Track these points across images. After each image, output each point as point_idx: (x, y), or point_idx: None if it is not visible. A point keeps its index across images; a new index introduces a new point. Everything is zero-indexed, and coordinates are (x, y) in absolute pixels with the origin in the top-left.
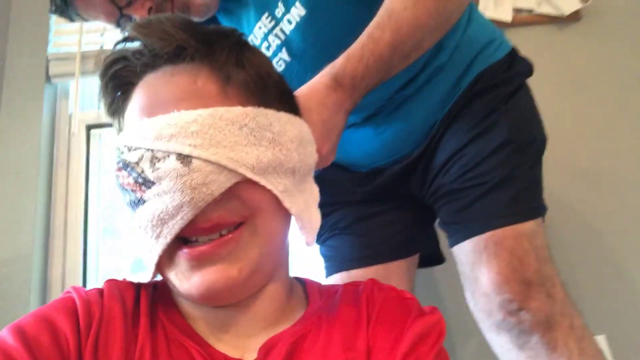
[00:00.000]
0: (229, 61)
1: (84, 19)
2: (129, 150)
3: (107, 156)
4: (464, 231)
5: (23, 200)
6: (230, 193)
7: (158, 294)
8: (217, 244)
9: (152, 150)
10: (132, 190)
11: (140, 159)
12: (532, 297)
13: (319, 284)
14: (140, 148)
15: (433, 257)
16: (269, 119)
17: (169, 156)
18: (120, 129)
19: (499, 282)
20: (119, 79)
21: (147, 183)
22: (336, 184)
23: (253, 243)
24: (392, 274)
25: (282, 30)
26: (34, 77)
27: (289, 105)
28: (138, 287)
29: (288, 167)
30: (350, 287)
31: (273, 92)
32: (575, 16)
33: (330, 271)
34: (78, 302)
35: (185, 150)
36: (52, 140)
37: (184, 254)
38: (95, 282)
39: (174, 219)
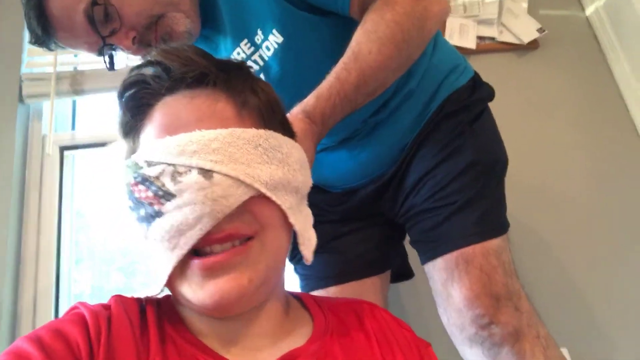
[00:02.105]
0: (245, 88)
1: (63, 48)
2: (149, 165)
3: (80, 178)
4: (435, 249)
5: None
6: (243, 207)
7: (162, 310)
8: (230, 254)
9: (174, 165)
10: (150, 204)
11: (161, 173)
12: (501, 311)
13: (313, 296)
14: (161, 163)
15: (403, 273)
16: (278, 141)
17: (190, 171)
18: (133, 148)
19: (470, 298)
20: (137, 100)
21: (167, 196)
22: (312, 204)
23: (261, 257)
24: (367, 289)
25: (260, 57)
26: (7, 97)
27: (289, 131)
28: (142, 302)
29: (294, 185)
30: (350, 307)
31: (278, 118)
32: (533, 45)
33: (306, 289)
34: (87, 314)
35: (207, 165)
36: (24, 162)
37: (198, 264)
38: (68, 307)
39: (193, 230)
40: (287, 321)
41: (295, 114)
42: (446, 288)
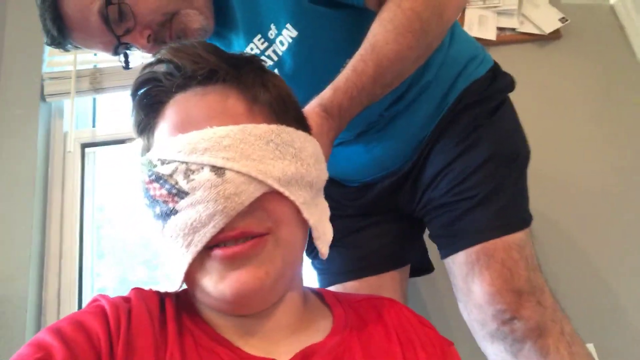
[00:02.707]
0: (256, 83)
1: (79, 49)
2: (162, 163)
3: (101, 174)
4: (455, 244)
5: (18, 220)
6: (256, 204)
7: (181, 303)
8: (247, 246)
9: (186, 163)
10: (164, 202)
11: (174, 171)
12: (524, 306)
13: (333, 292)
14: (174, 161)
15: (423, 267)
16: (291, 136)
17: (203, 168)
18: (148, 146)
19: (491, 293)
20: (150, 98)
21: (180, 194)
22: (329, 198)
23: (276, 252)
24: (385, 284)
25: (274, 52)
26: (29, 96)
27: (303, 125)
28: (162, 296)
29: (307, 180)
30: (370, 303)
31: (291, 112)
32: (555, 35)
33: (323, 284)
34: (107, 307)
35: (219, 163)
36: (47, 159)
37: (217, 255)
38: None
39: (206, 227)
40: (306, 315)
41: (312, 108)
42: (467, 283)
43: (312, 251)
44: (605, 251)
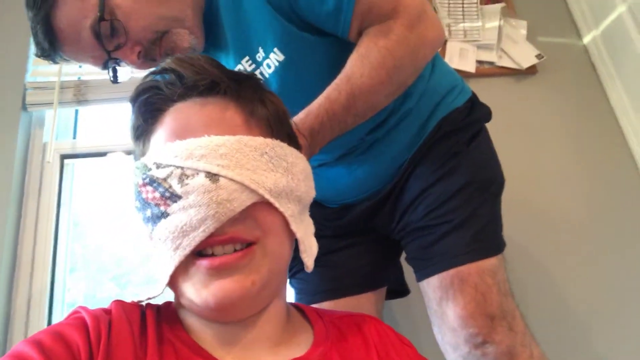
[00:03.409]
0: (254, 98)
1: (67, 61)
2: (158, 167)
3: (79, 187)
4: (431, 267)
5: None
6: (247, 212)
7: (162, 315)
8: (235, 257)
9: (182, 168)
10: (157, 204)
11: (169, 175)
12: (496, 331)
13: (315, 308)
14: (170, 165)
15: (399, 290)
16: (284, 151)
17: (198, 174)
18: (143, 151)
19: (464, 317)
20: (150, 105)
21: (173, 197)
22: (310, 218)
23: (264, 261)
24: (361, 305)
25: (261, 74)
26: (10, 104)
27: (295, 143)
28: (142, 308)
29: (297, 194)
30: (352, 319)
31: (285, 129)
32: (531, 70)
33: (301, 303)
34: (87, 318)
35: (214, 170)
36: (24, 168)
37: (203, 264)
38: (61, 314)
39: (196, 231)
40: (288, 328)
41: None
42: (441, 306)
43: (291, 269)
44: (573, 278)
